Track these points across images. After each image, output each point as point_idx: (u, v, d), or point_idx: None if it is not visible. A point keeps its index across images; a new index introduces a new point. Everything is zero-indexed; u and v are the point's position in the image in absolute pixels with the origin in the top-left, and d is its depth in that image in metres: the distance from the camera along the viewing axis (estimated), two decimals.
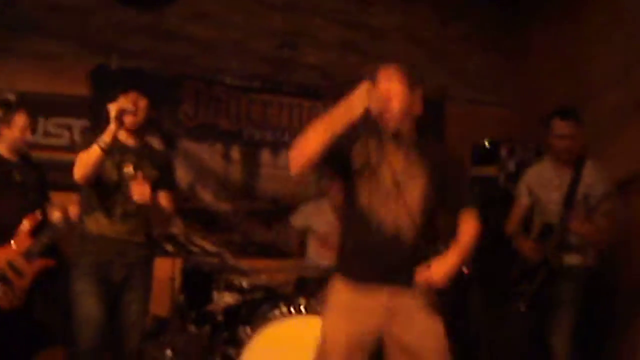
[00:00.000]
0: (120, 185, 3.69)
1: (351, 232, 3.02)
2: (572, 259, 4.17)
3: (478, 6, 6.65)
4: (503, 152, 5.64)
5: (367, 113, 2.76)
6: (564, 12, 5.90)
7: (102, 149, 3.48)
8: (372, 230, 2.89)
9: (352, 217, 2.99)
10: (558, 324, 4.15)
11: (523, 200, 4.48)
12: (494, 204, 5.43)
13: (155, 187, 3.74)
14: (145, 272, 3.86)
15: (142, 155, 3.79)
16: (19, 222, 4.15)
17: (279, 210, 5.88)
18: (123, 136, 3.75)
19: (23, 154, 4.38)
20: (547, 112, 4.44)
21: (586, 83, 5.46)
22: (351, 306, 2.93)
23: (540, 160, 4.57)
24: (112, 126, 3.48)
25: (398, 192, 2.89)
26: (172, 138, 5.76)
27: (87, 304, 3.64)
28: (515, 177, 5.26)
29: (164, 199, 3.85)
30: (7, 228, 4.12)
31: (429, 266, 2.80)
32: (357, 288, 2.93)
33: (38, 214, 4.17)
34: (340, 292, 3.00)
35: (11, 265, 4.07)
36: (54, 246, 4.24)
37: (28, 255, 4.10)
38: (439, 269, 2.80)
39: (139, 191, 3.61)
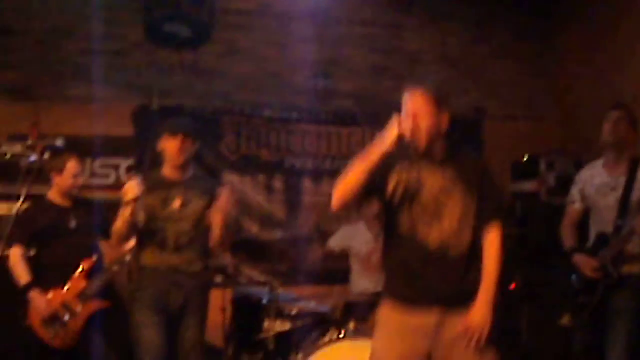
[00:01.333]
0: (170, 220, 3.81)
1: (396, 255, 3.07)
2: (631, 267, 3.97)
3: (509, 22, 6.70)
4: (542, 166, 5.63)
5: (399, 140, 2.84)
6: (595, 23, 5.93)
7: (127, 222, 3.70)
8: (418, 250, 2.95)
9: (396, 240, 3.05)
10: (614, 333, 3.95)
11: (577, 206, 4.29)
12: (537, 219, 5.43)
13: (206, 214, 3.87)
14: (201, 300, 3.97)
15: (189, 187, 3.90)
16: (76, 265, 4.31)
17: (323, 236, 5.92)
18: (168, 172, 3.92)
19: (76, 198, 4.52)
20: (583, 123, 4.40)
21: (620, 92, 5.44)
22: (401, 327, 2.98)
23: (592, 164, 4.32)
24: (127, 211, 3.67)
25: (439, 210, 2.95)
26: (216, 172, 5.88)
27: (149, 334, 3.76)
28: (556, 190, 5.24)
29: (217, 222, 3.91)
30: (65, 271, 4.29)
31: (470, 317, 2.87)
32: (406, 310, 2.98)
33: (93, 258, 4.32)
34: (390, 314, 3.05)
35: (66, 306, 4.22)
36: (109, 288, 4.40)
37: (83, 296, 4.24)
38: (477, 316, 2.87)
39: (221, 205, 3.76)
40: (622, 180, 4.03)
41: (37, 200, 4.53)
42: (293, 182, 6.15)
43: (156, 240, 3.83)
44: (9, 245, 4.24)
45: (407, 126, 2.89)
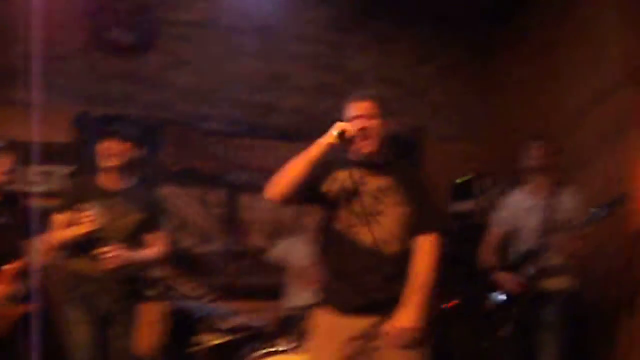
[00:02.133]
0: (104, 230, 3.76)
1: (332, 254, 3.13)
2: (553, 283, 4.21)
3: (451, 45, 6.82)
4: (477, 187, 5.76)
5: (340, 143, 2.93)
6: (535, 48, 6.07)
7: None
8: (352, 248, 3.02)
9: (333, 240, 3.11)
10: (545, 348, 4.16)
11: (496, 230, 4.54)
12: (472, 237, 5.54)
13: (143, 229, 3.89)
14: (128, 310, 3.92)
15: (127, 198, 3.88)
16: (1, 263, 4.11)
17: (259, 252, 5.91)
18: (106, 179, 3.88)
19: (8, 195, 4.38)
20: (516, 147, 4.56)
21: (559, 116, 5.62)
22: (334, 331, 3.02)
23: (515, 189, 4.60)
24: (70, 233, 3.76)
25: (375, 212, 3.02)
26: (155, 183, 5.82)
27: (79, 330, 3.78)
28: (489, 212, 5.36)
29: (155, 240, 3.97)
30: None
31: (394, 319, 2.92)
32: (339, 314, 3.03)
33: (22, 259, 4.18)
34: (322, 324, 3.10)
35: None
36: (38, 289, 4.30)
37: (11, 299, 4.13)
38: (400, 318, 2.92)
39: (110, 260, 3.69)
40: (545, 202, 4.29)
41: None
42: (232, 196, 6.12)
43: (86, 247, 3.77)
44: None
45: (355, 127, 2.98)
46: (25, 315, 4.14)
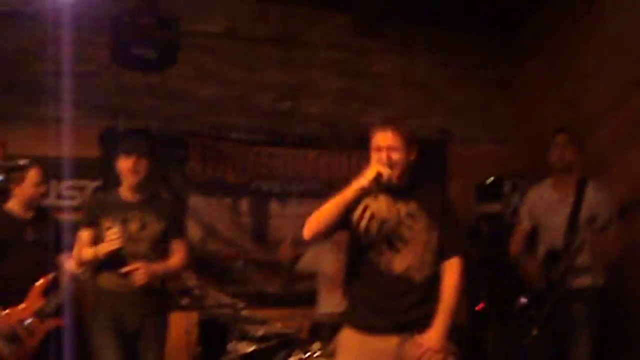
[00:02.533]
0: (128, 242, 3.81)
1: (360, 283, 3.18)
2: (582, 281, 4.17)
3: (474, 45, 6.80)
4: (506, 188, 5.74)
5: (377, 178, 2.98)
6: (558, 45, 6.05)
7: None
8: (382, 277, 3.07)
9: (361, 268, 3.16)
10: (576, 347, 4.15)
11: (525, 223, 4.52)
12: (501, 239, 5.52)
13: (165, 238, 3.92)
14: (159, 322, 3.96)
15: (147, 209, 3.94)
16: (33, 280, 4.22)
17: (288, 259, 5.92)
18: (125, 193, 3.95)
19: (38, 210, 4.46)
20: (545, 146, 4.54)
21: (584, 114, 5.58)
22: (362, 352, 3.08)
23: (539, 184, 4.58)
24: (92, 256, 3.79)
25: (403, 240, 3.08)
26: (182, 194, 5.89)
27: (106, 356, 3.76)
28: (516, 211, 5.33)
29: (176, 248, 4.00)
30: (20, 286, 4.21)
31: (424, 343, 3.00)
32: (367, 335, 3.08)
33: (51, 274, 4.25)
34: (351, 338, 3.16)
35: (22, 323, 4.16)
36: (66, 305, 4.33)
37: (40, 314, 4.19)
38: (431, 340, 3.00)
39: (138, 277, 3.74)
40: (571, 199, 4.24)
41: None
42: (259, 204, 6.17)
43: (113, 263, 3.80)
44: None
45: (381, 160, 3.04)
46: (55, 330, 4.23)
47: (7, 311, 4.17)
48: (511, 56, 6.81)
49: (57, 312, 4.22)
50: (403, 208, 3.12)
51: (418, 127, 6.32)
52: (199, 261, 5.77)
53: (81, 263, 3.88)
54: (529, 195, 4.58)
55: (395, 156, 3.07)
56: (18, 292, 4.22)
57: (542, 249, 4.38)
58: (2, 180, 4.61)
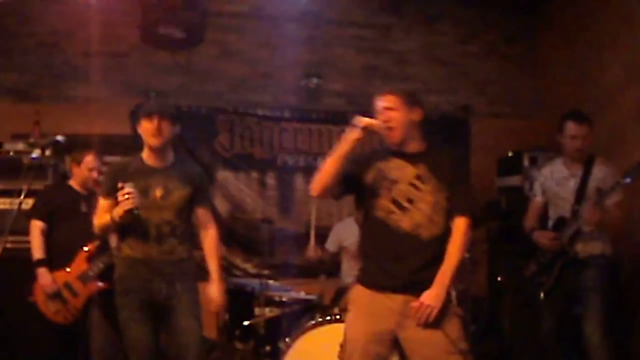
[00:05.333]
0: (152, 209, 3.64)
1: (371, 241, 3.30)
2: (590, 248, 4.29)
3: (496, 23, 6.87)
4: (526, 161, 5.82)
5: (366, 130, 3.10)
6: (579, 20, 6.09)
7: (113, 219, 3.55)
8: (390, 235, 3.18)
9: (371, 227, 3.28)
10: (589, 311, 4.23)
11: (537, 199, 4.64)
12: (521, 212, 5.61)
13: (191, 204, 3.77)
14: (188, 288, 3.75)
15: (171, 175, 3.73)
16: (82, 247, 4.51)
17: (315, 231, 6.08)
18: (148, 158, 3.74)
19: (92, 188, 4.70)
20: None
21: (603, 87, 5.64)
22: (370, 308, 3.21)
23: (552, 160, 4.69)
24: (113, 219, 3.56)
25: (412, 200, 3.18)
26: (210, 169, 6.07)
27: (134, 330, 3.65)
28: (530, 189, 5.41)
29: (202, 215, 3.84)
30: (71, 252, 4.51)
31: (423, 296, 3.10)
32: (376, 293, 3.21)
33: (96, 241, 4.48)
34: (360, 295, 3.28)
35: (68, 285, 4.44)
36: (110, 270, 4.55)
37: (83, 277, 4.45)
38: (430, 295, 3.10)
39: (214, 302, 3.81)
40: (579, 172, 4.37)
41: (58, 182, 4.91)
42: (285, 178, 6.35)
43: (137, 230, 3.64)
44: (29, 218, 4.51)
45: (381, 120, 3.15)
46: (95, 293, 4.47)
47: (55, 273, 4.45)
48: (533, 32, 6.87)
49: (103, 276, 4.41)
50: (412, 170, 3.21)
51: (441, 103, 6.52)
52: (226, 233, 5.98)
53: (101, 229, 3.69)
54: (542, 172, 4.69)
55: (394, 116, 3.17)
56: (69, 256, 4.52)
57: (551, 220, 4.53)
58: (36, 158, 4.86)
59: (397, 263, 3.17)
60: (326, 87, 6.47)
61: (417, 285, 3.14)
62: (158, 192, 3.67)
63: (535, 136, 6.34)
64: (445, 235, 3.21)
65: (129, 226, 3.63)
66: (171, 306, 3.67)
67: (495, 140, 6.49)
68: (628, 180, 4.01)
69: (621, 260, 4.87)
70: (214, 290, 3.82)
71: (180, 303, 3.68)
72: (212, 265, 3.85)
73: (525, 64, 6.89)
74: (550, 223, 4.51)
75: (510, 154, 6.04)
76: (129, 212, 3.47)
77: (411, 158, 3.24)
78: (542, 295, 4.38)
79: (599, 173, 4.31)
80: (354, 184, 3.28)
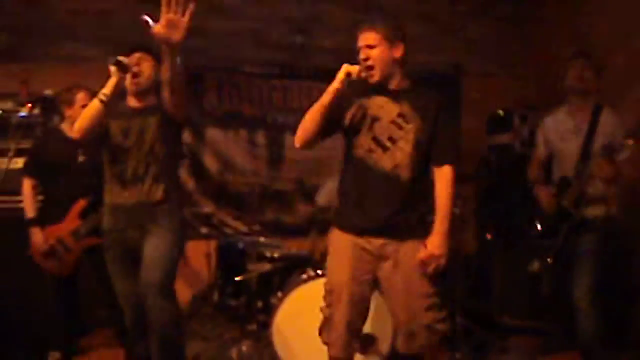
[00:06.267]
0: (130, 152, 3.61)
1: (348, 182, 3.31)
2: (593, 210, 4.13)
3: None
4: (516, 120, 5.82)
5: (348, 77, 3.09)
6: None
7: (102, 101, 3.41)
8: (371, 172, 3.18)
9: (352, 165, 3.27)
10: (579, 275, 4.11)
11: (541, 150, 4.46)
12: (511, 169, 5.63)
13: (163, 132, 3.64)
14: (157, 234, 3.60)
15: (147, 114, 3.66)
16: (77, 200, 4.47)
17: (304, 190, 6.09)
18: (130, 100, 3.72)
19: None
20: (556, 78, 4.51)
21: (595, 47, 5.54)
22: (349, 254, 3.24)
23: (555, 111, 4.45)
24: (112, 79, 3.44)
25: (393, 138, 3.17)
26: (199, 127, 6.05)
27: (118, 283, 3.71)
28: (529, 142, 5.40)
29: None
30: (66, 205, 4.49)
31: (425, 247, 3.14)
32: (353, 238, 3.23)
33: (89, 197, 4.44)
34: (338, 242, 3.30)
35: (60, 241, 4.44)
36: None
37: (76, 234, 4.44)
38: (434, 245, 3.14)
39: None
40: (585, 126, 4.17)
41: (49, 131, 4.78)
42: (275, 136, 6.32)
43: (116, 173, 3.63)
44: (22, 175, 4.47)
45: (359, 59, 3.15)
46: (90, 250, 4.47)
47: (48, 230, 4.43)
48: None
49: (94, 233, 4.35)
50: (395, 108, 3.18)
51: (431, 61, 6.48)
52: (217, 191, 6.00)
53: (85, 117, 3.48)
54: (545, 123, 4.48)
55: (374, 53, 3.15)
56: (65, 209, 4.50)
57: (556, 177, 4.37)
58: (24, 115, 4.83)
59: (376, 204, 3.17)
60: (315, 44, 6.40)
61: (394, 228, 3.16)
62: (133, 135, 3.63)
63: (526, 95, 6.35)
64: (423, 177, 3.23)
65: (109, 168, 3.64)
66: (143, 243, 3.61)
67: (487, 99, 6.46)
68: (631, 142, 3.89)
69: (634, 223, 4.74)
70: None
71: (151, 235, 3.60)
72: None
73: (516, 23, 6.82)
74: (555, 182, 4.34)
75: (500, 112, 6.04)
76: (123, 66, 3.46)
77: (394, 95, 3.21)
78: (550, 259, 4.24)
79: (607, 127, 4.11)
80: (335, 126, 3.26)
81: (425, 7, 6.70)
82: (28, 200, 4.49)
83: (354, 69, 3.12)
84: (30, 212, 4.48)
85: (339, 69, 3.15)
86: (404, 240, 3.18)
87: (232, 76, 6.22)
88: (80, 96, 4.53)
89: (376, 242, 3.19)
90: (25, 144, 4.58)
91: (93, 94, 4.17)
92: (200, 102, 6.14)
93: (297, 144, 3.26)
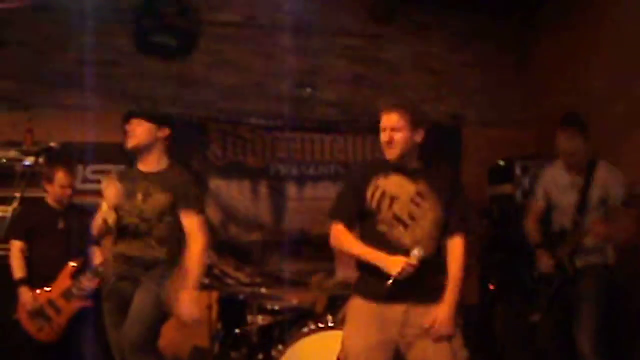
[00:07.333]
0: (132, 212, 3.70)
1: None
2: (590, 259, 4.24)
3: (486, 32, 6.88)
4: (517, 169, 5.84)
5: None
6: (569, 30, 6.14)
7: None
8: (390, 250, 3.20)
9: (370, 242, 3.29)
10: (581, 320, 4.18)
11: (539, 203, 4.57)
12: (512, 220, 5.63)
13: (173, 209, 3.74)
14: (148, 288, 3.66)
15: (153, 180, 3.75)
16: (62, 264, 4.56)
17: (307, 240, 6.15)
18: (140, 164, 3.84)
19: (68, 203, 4.76)
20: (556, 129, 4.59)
21: (594, 96, 5.64)
22: (370, 319, 3.24)
23: (553, 163, 4.59)
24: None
25: (412, 217, 3.24)
26: (203, 178, 6.08)
27: (112, 334, 3.74)
28: (530, 192, 5.42)
29: (187, 222, 3.74)
30: (51, 269, 4.57)
31: (435, 314, 3.17)
32: (376, 303, 3.24)
33: (79, 259, 4.55)
34: (359, 306, 3.32)
35: (51, 303, 4.47)
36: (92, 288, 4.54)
37: (67, 295, 4.46)
38: (441, 314, 3.17)
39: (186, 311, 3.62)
40: (581, 181, 4.31)
41: (32, 200, 4.76)
42: (277, 187, 6.34)
43: (119, 230, 3.70)
44: (7, 239, 4.52)
45: (383, 139, 3.24)
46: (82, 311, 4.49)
47: (38, 291, 4.45)
48: (523, 41, 6.89)
49: (91, 295, 4.45)
50: (412, 187, 3.26)
51: (431, 112, 6.54)
52: (219, 243, 6.00)
53: (98, 231, 3.71)
54: (544, 175, 4.62)
55: (397, 137, 3.22)
56: (48, 275, 4.57)
57: (554, 228, 4.47)
58: (29, 165, 4.89)
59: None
60: (318, 96, 6.48)
61: (418, 295, 3.20)
62: (140, 196, 3.72)
63: (524, 145, 6.40)
64: (440, 252, 3.30)
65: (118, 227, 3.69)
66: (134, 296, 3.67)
67: (486, 149, 6.51)
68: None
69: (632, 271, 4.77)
70: (184, 299, 3.66)
71: (135, 296, 3.65)
72: (189, 273, 3.71)
73: (516, 72, 6.91)
74: (550, 235, 4.46)
75: (501, 163, 6.07)
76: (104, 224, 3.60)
77: (411, 174, 3.30)
78: (543, 309, 4.36)
79: (602, 181, 4.26)
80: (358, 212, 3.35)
81: (426, 59, 6.80)
82: (17, 260, 4.57)
83: (406, 267, 3.10)
84: (18, 272, 4.55)
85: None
86: (425, 306, 3.21)
87: (236, 127, 6.28)
88: (60, 175, 4.68)
89: (399, 309, 3.21)
90: (30, 193, 4.61)
91: (71, 172, 4.74)
92: (204, 152, 6.20)
93: (332, 245, 3.40)
